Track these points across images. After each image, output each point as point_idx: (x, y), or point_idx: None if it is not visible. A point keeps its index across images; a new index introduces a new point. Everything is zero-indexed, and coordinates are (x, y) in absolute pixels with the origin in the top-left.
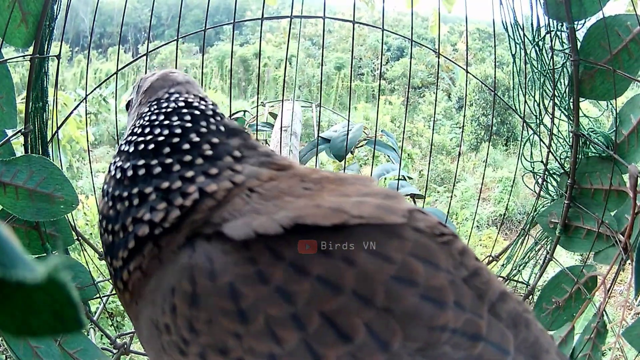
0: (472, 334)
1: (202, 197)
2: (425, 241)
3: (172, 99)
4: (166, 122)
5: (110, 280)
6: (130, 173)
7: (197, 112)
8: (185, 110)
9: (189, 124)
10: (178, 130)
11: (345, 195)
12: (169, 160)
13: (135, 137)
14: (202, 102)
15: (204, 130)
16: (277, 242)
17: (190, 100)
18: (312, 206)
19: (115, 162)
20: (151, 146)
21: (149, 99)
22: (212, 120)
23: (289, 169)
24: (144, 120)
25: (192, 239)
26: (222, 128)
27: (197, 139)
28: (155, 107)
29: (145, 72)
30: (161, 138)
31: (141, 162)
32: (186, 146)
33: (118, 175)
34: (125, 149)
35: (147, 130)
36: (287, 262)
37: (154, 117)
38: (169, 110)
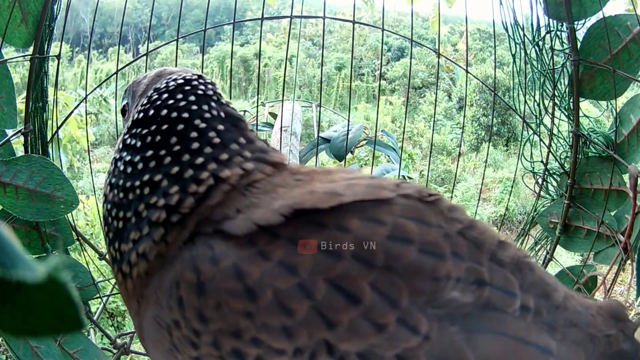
0: (475, 280)
1: (217, 183)
2: (413, 203)
3: (170, 82)
4: (170, 101)
5: (110, 281)
6: (140, 166)
7: (199, 93)
8: (187, 88)
9: (194, 106)
10: (185, 115)
11: (334, 182)
12: (176, 148)
13: (140, 129)
14: (201, 81)
15: (207, 115)
16: (276, 227)
17: (188, 77)
18: (307, 193)
19: (122, 157)
20: (158, 137)
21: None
22: (213, 104)
23: (281, 165)
24: (147, 105)
25: (194, 237)
26: (223, 114)
27: (204, 125)
28: (155, 93)
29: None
30: (165, 126)
31: (149, 153)
32: (193, 134)
33: (129, 170)
34: (132, 143)
35: (151, 113)
36: (285, 239)
37: (156, 97)
38: (170, 88)
